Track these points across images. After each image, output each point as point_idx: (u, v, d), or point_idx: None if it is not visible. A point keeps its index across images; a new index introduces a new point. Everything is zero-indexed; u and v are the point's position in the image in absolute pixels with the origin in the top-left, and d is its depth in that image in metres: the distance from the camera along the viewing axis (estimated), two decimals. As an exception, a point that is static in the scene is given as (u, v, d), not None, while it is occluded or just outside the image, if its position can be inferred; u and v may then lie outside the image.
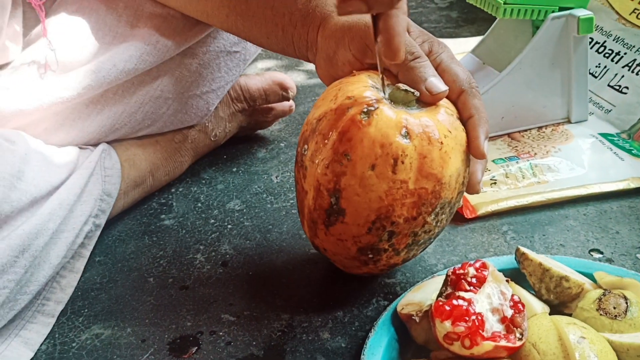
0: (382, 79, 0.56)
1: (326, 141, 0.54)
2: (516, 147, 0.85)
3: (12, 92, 0.66)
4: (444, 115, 0.55)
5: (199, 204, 0.79)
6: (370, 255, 0.57)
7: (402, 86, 0.54)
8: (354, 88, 0.55)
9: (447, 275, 0.55)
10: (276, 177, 0.84)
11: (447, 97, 0.57)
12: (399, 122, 0.53)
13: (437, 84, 0.55)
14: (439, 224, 0.57)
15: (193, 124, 0.81)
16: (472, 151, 0.56)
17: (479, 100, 0.56)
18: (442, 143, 0.53)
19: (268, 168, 0.86)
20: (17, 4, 0.69)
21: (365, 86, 0.55)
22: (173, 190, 0.82)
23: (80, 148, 0.71)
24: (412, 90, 0.54)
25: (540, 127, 0.89)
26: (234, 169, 0.86)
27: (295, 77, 1.10)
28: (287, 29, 0.63)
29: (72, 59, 0.69)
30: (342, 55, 0.59)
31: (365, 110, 0.53)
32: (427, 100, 0.55)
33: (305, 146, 0.56)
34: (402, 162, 0.52)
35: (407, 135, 0.52)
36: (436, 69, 0.57)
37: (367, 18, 0.57)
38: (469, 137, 0.56)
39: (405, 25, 0.52)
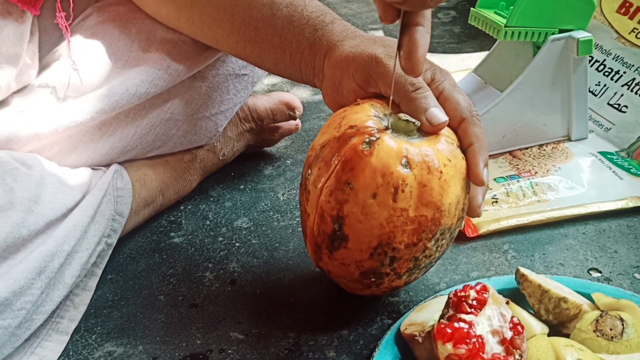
0: (391, 101, 0.58)
1: (328, 168, 0.56)
2: (517, 165, 0.87)
3: (28, 115, 0.68)
4: (444, 144, 0.57)
5: (208, 222, 0.81)
6: (373, 279, 0.59)
7: (404, 116, 0.56)
8: (357, 117, 0.57)
9: (448, 298, 0.56)
10: (282, 194, 0.86)
11: (448, 125, 0.58)
12: (399, 151, 0.54)
13: (438, 115, 0.57)
14: (439, 248, 0.58)
15: (202, 144, 0.83)
16: (471, 179, 0.58)
17: (479, 128, 0.58)
18: (441, 172, 0.55)
19: (274, 185, 0.88)
20: (34, 30, 0.72)
21: (368, 115, 0.57)
22: (182, 207, 0.84)
23: (92, 169, 0.73)
24: (413, 120, 0.56)
25: (541, 145, 0.91)
26: (241, 187, 0.88)
27: (301, 94, 1.11)
28: (295, 56, 0.65)
29: (86, 82, 0.71)
30: (347, 84, 0.61)
31: (367, 140, 0.55)
32: (427, 130, 0.57)
33: (309, 171, 0.58)
34: (403, 191, 0.54)
35: (408, 164, 0.54)
36: (438, 97, 0.59)
37: (370, 49, 0.59)
38: (469, 165, 0.58)
39: (428, 42, 0.54)
